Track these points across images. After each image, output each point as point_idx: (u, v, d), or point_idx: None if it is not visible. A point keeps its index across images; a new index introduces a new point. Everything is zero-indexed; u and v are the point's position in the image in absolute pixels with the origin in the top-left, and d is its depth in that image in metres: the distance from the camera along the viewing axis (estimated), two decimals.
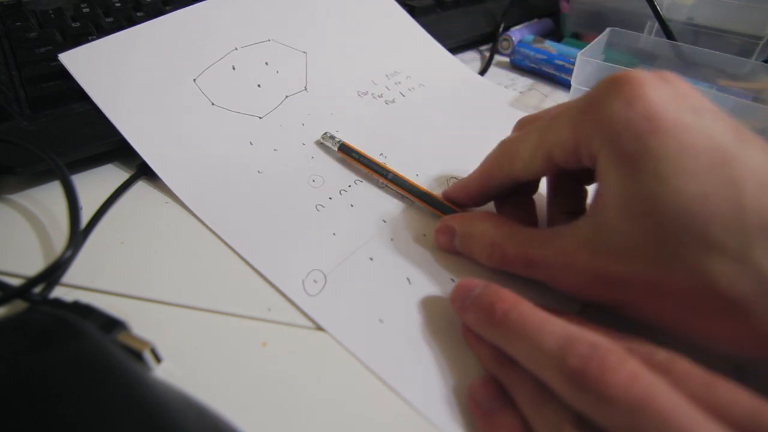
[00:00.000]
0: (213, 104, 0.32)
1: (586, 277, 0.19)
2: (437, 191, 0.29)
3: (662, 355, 0.16)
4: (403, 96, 0.37)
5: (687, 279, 0.16)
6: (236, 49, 0.34)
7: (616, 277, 0.18)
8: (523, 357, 0.17)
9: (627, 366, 0.15)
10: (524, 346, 0.17)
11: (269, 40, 0.35)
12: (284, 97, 0.34)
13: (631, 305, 0.19)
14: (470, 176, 0.25)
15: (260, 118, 0.32)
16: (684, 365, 0.16)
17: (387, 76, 0.38)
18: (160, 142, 0.29)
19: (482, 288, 0.20)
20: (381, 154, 0.31)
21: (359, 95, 0.36)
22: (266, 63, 0.34)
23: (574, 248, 0.19)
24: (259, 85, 0.34)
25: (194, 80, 0.32)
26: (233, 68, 0.33)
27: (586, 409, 0.15)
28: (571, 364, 0.15)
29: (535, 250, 0.20)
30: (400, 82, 0.38)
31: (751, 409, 0.15)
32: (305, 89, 0.35)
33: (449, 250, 0.25)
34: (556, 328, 0.16)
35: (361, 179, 0.29)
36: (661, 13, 0.39)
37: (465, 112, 0.36)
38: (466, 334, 0.21)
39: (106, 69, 0.31)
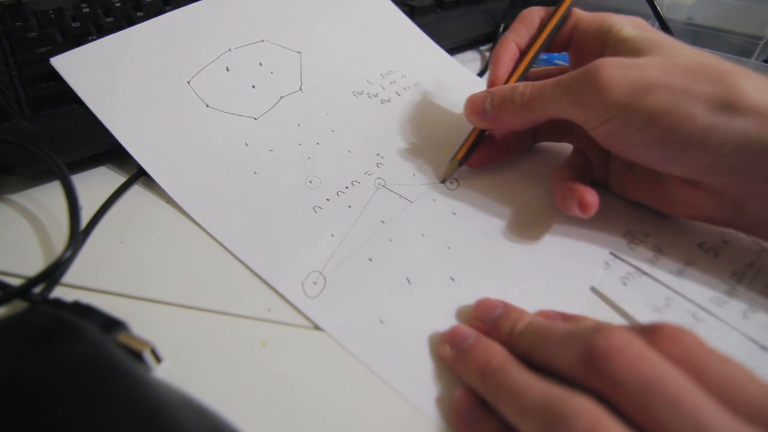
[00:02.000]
0: (207, 106, 0.32)
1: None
2: (436, 191, 0.29)
3: (670, 328, 0.17)
4: (399, 95, 0.37)
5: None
6: (230, 50, 0.34)
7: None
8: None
9: (634, 346, 0.16)
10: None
11: (263, 41, 0.35)
12: (279, 97, 0.34)
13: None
14: None
15: (255, 119, 0.32)
16: (692, 340, 0.17)
17: (382, 75, 0.38)
18: (154, 145, 0.29)
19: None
20: (377, 153, 0.31)
21: (354, 95, 0.36)
22: (260, 64, 0.34)
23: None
24: (253, 86, 0.34)
25: (188, 82, 0.32)
26: (227, 69, 0.33)
27: (600, 390, 0.16)
28: (580, 349, 0.17)
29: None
30: (395, 82, 0.38)
31: (757, 392, 0.15)
32: (300, 90, 0.35)
33: (481, 115, 0.27)
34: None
35: (358, 180, 0.29)
36: (661, 13, 0.39)
37: (463, 112, 0.36)
38: (442, 352, 0.21)
39: (99, 72, 0.31)
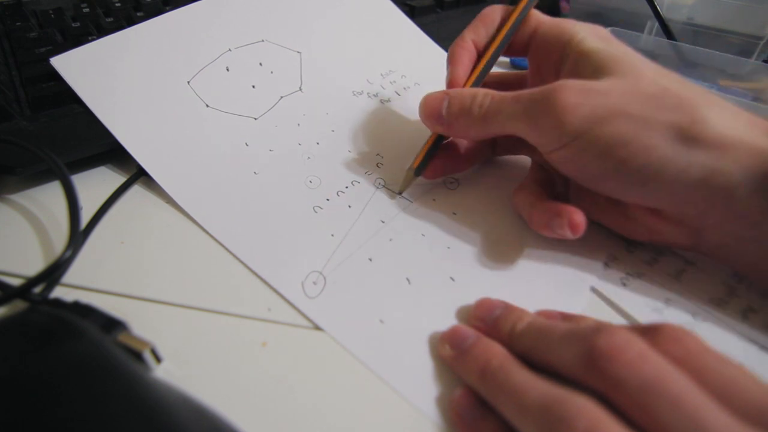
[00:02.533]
0: (207, 106, 0.32)
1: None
2: (434, 191, 0.29)
3: (670, 328, 0.17)
4: (399, 95, 0.37)
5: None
6: (230, 50, 0.34)
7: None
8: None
9: (635, 346, 0.16)
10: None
11: (263, 41, 0.35)
12: (279, 97, 0.34)
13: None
14: None
15: (255, 119, 0.32)
16: (693, 341, 0.17)
17: (382, 75, 0.38)
18: (154, 145, 0.29)
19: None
20: (377, 153, 0.31)
21: (354, 95, 0.36)
22: (260, 64, 0.34)
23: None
24: (253, 86, 0.34)
25: (188, 82, 0.32)
26: (227, 69, 0.33)
27: (601, 390, 0.16)
28: (580, 349, 0.17)
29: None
30: (395, 81, 0.38)
31: (757, 393, 0.15)
32: (300, 89, 0.35)
33: (436, 119, 0.26)
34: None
35: (358, 180, 0.29)
36: (661, 13, 0.39)
37: None
38: (442, 352, 0.21)
39: (99, 72, 0.31)
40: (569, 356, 0.17)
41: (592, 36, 0.24)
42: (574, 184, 0.27)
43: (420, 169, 0.27)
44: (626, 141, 0.20)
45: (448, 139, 0.28)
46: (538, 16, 0.27)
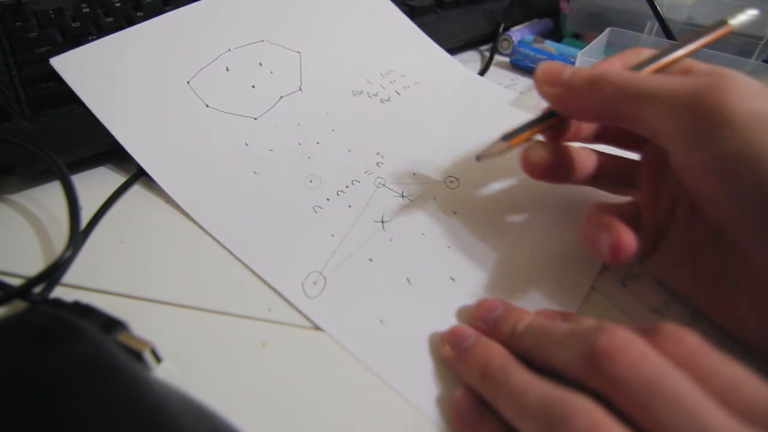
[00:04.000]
0: (207, 106, 0.32)
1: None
2: (436, 190, 0.29)
3: (671, 328, 0.17)
4: (399, 95, 0.37)
5: None
6: (229, 50, 0.34)
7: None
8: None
9: (635, 346, 0.16)
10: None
11: (263, 41, 0.35)
12: (279, 97, 0.34)
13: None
14: None
15: (255, 119, 0.32)
16: (694, 341, 0.17)
17: (382, 74, 0.38)
18: (154, 145, 0.29)
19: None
20: (377, 153, 0.31)
21: (354, 94, 0.36)
22: (260, 63, 0.34)
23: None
24: (253, 86, 0.34)
25: (188, 82, 0.32)
26: (227, 69, 0.33)
27: (601, 389, 0.16)
28: (581, 348, 0.17)
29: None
30: (395, 81, 0.38)
31: (758, 394, 0.15)
32: (300, 89, 0.35)
33: (552, 80, 0.22)
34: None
35: (358, 179, 0.29)
36: (661, 13, 0.39)
37: (463, 111, 0.36)
38: (442, 352, 0.21)
39: (99, 72, 0.31)
40: (570, 356, 0.17)
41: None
42: (672, 242, 0.22)
43: (509, 136, 0.23)
44: None
45: (559, 123, 0.24)
46: (693, 64, 0.22)
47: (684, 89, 0.18)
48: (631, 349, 0.16)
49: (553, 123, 0.24)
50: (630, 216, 0.22)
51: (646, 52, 0.24)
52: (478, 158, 0.24)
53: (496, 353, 0.19)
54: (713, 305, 0.21)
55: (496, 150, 0.23)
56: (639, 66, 0.23)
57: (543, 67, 0.23)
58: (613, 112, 0.20)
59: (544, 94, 0.23)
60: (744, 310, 0.20)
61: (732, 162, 0.17)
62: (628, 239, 0.19)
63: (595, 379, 0.16)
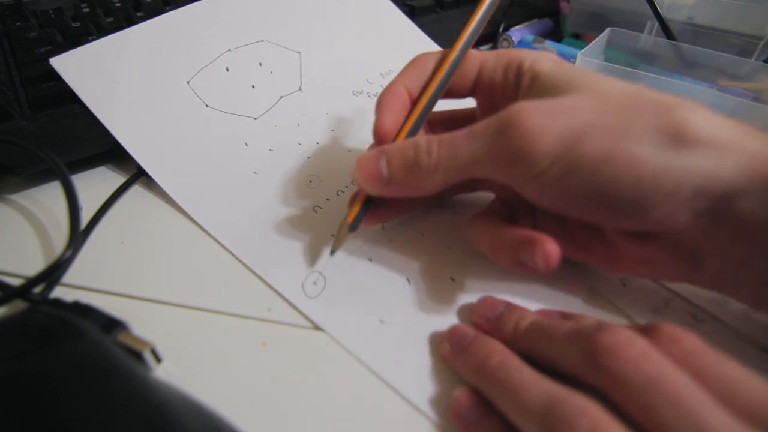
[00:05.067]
0: (207, 106, 0.32)
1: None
2: None
3: (669, 329, 0.17)
4: None
5: None
6: (229, 50, 0.34)
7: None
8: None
9: (637, 345, 0.16)
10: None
11: (262, 41, 0.35)
12: (279, 97, 0.34)
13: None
14: None
15: (255, 119, 0.32)
16: (692, 341, 0.17)
17: (382, 75, 0.38)
18: (154, 145, 0.29)
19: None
20: None
21: (354, 94, 0.36)
22: (260, 64, 0.34)
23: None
24: (253, 86, 0.34)
25: (188, 82, 0.32)
26: (227, 69, 0.33)
27: (602, 387, 0.16)
28: (583, 346, 0.17)
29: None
30: None
31: (757, 394, 0.15)
32: (300, 89, 0.35)
33: (377, 181, 0.21)
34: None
35: None
36: (661, 13, 0.39)
37: None
38: (442, 350, 0.21)
39: (98, 72, 0.31)
40: (572, 354, 0.17)
41: (543, 59, 0.22)
42: (542, 220, 0.24)
43: (354, 226, 0.23)
44: (611, 156, 0.18)
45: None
46: (480, 55, 0.24)
47: (489, 143, 0.19)
48: (633, 348, 0.16)
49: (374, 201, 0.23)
50: (503, 213, 0.24)
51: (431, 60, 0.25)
52: (332, 252, 0.24)
53: (495, 350, 0.19)
54: (601, 263, 0.23)
55: (341, 238, 0.23)
56: (422, 113, 0.24)
57: (357, 166, 0.22)
58: (444, 185, 0.21)
59: (375, 194, 0.22)
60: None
61: (562, 181, 0.18)
62: (551, 247, 0.19)
63: (596, 377, 0.16)
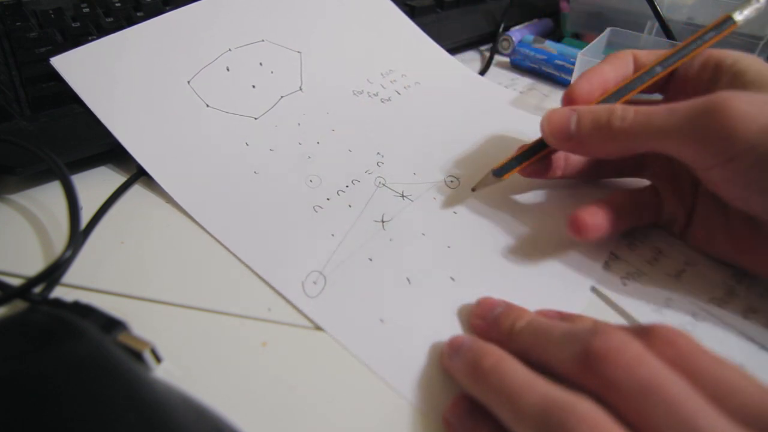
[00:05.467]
0: (208, 106, 0.32)
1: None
2: (436, 189, 0.29)
3: (663, 330, 0.17)
4: (399, 94, 0.37)
5: None
6: (230, 50, 0.34)
7: None
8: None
9: (630, 348, 0.16)
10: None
11: (263, 41, 0.35)
12: (279, 97, 0.34)
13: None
14: None
15: (255, 118, 0.32)
16: (686, 342, 0.17)
17: (382, 74, 0.38)
18: (155, 145, 0.29)
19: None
20: (378, 152, 0.31)
21: (354, 94, 0.36)
22: (260, 63, 0.34)
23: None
24: (253, 86, 0.34)
25: (188, 82, 0.32)
26: (227, 69, 0.33)
27: (595, 391, 0.16)
28: (577, 349, 0.17)
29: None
30: (395, 81, 0.38)
31: (753, 394, 0.15)
32: (300, 89, 0.35)
33: (564, 135, 0.24)
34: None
35: (358, 179, 0.29)
36: (661, 13, 0.39)
37: (463, 111, 0.36)
38: (441, 358, 0.21)
39: (99, 72, 0.31)
40: (565, 356, 0.17)
41: (747, 58, 0.23)
42: (702, 217, 0.25)
43: (501, 171, 0.26)
44: None
45: (553, 150, 0.26)
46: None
47: (690, 119, 0.20)
48: (626, 352, 0.16)
49: (544, 155, 0.26)
50: (644, 203, 0.25)
51: (638, 56, 0.26)
52: (474, 189, 0.27)
53: (489, 352, 0.18)
54: (758, 266, 0.23)
55: (488, 183, 0.26)
56: (631, 85, 0.25)
57: (547, 118, 0.24)
58: (626, 151, 0.23)
59: (559, 147, 0.25)
60: None
61: (753, 171, 0.19)
62: (588, 219, 0.22)
63: (589, 380, 0.16)
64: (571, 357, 0.17)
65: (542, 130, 0.25)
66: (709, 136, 0.20)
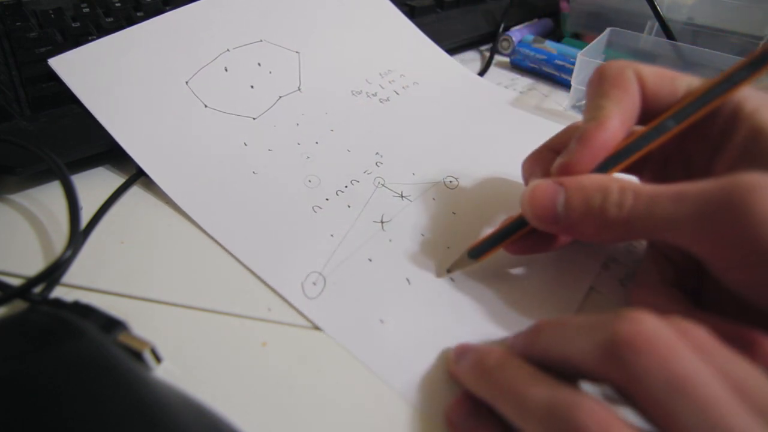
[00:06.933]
0: (206, 106, 0.32)
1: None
2: (435, 190, 0.29)
3: (679, 321, 0.15)
4: (398, 94, 0.37)
5: None
6: (228, 50, 0.34)
7: None
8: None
9: (664, 337, 0.14)
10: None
11: (261, 41, 0.35)
12: (278, 97, 0.34)
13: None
14: None
15: (254, 119, 0.32)
16: (701, 334, 0.15)
17: (381, 74, 0.38)
18: (153, 145, 0.29)
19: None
20: (377, 153, 0.31)
21: (353, 94, 0.36)
22: (259, 64, 0.34)
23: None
24: (252, 86, 0.34)
25: (186, 82, 0.32)
26: (226, 69, 0.33)
27: (618, 383, 0.15)
28: (601, 337, 0.15)
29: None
30: (393, 81, 0.38)
31: None
32: (299, 89, 0.35)
33: (550, 218, 0.20)
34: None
35: (357, 179, 0.29)
36: (661, 13, 0.39)
37: (463, 111, 0.36)
38: (447, 364, 0.20)
39: (97, 73, 0.31)
40: (586, 345, 0.15)
41: (767, 106, 0.19)
42: (712, 286, 0.21)
43: (476, 253, 0.23)
44: None
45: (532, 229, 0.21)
46: (688, 79, 0.21)
47: (703, 213, 0.16)
48: (659, 340, 0.14)
49: (524, 233, 0.22)
50: (671, 275, 0.21)
51: (645, 81, 0.21)
52: (449, 271, 0.24)
53: (492, 351, 0.18)
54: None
55: (463, 266, 0.23)
56: (635, 146, 0.20)
57: (531, 195, 0.20)
58: (625, 240, 0.19)
59: (544, 230, 0.20)
60: None
61: None
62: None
63: (612, 370, 0.14)
64: (593, 345, 0.15)
65: (523, 209, 0.21)
66: (726, 237, 0.16)
